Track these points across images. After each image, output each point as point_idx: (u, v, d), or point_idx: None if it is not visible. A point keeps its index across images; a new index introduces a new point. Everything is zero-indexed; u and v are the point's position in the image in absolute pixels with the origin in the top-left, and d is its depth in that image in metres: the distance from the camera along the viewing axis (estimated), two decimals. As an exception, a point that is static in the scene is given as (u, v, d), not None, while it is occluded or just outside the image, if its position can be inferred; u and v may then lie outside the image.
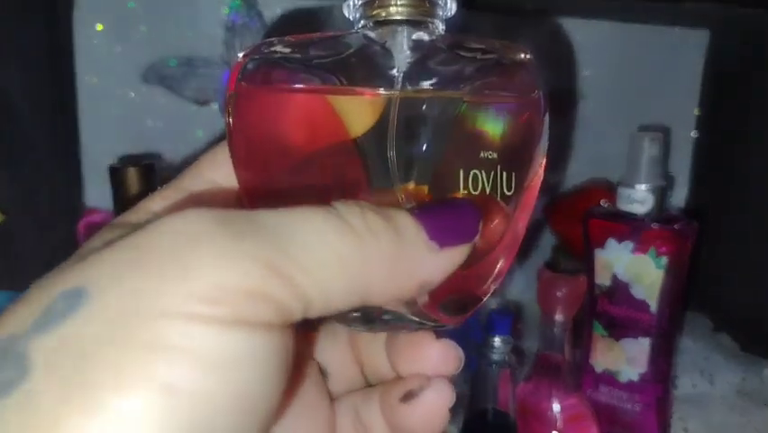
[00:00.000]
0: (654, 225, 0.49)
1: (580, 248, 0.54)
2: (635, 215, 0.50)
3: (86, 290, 0.12)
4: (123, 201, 0.40)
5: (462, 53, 0.19)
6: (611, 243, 0.50)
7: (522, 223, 0.20)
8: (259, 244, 0.13)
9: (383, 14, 0.18)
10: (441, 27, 0.20)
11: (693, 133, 0.78)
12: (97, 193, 0.65)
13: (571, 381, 0.48)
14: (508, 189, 0.18)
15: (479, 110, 0.18)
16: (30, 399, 0.11)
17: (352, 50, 0.18)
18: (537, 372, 0.49)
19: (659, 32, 0.74)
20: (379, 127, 0.17)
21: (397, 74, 0.17)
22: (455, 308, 0.19)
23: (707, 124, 0.76)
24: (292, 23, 0.67)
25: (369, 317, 0.18)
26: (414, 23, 0.19)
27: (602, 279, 0.51)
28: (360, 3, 0.19)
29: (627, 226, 0.50)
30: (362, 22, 0.19)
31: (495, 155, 0.18)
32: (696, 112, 0.77)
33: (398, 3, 0.18)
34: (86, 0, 0.63)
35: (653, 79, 0.75)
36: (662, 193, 0.50)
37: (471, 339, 0.59)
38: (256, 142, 0.18)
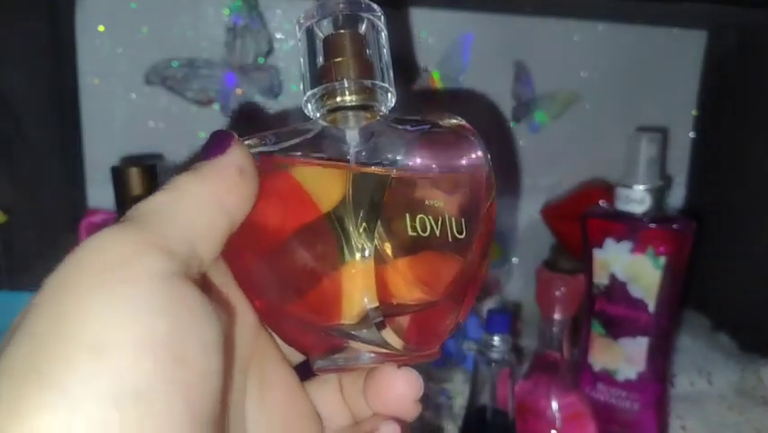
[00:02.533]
0: (652, 225, 0.49)
1: (578, 248, 0.55)
2: (634, 214, 0.50)
3: (26, 314, 0.16)
4: (125, 202, 0.41)
5: (401, 127, 0.22)
6: (609, 242, 0.51)
7: (480, 260, 0.22)
8: (120, 226, 0.16)
9: (332, 102, 0.22)
10: (384, 109, 0.23)
11: (691, 134, 0.78)
12: (99, 194, 0.65)
13: (569, 379, 0.48)
14: (459, 233, 0.21)
15: (417, 173, 0.21)
16: None
17: (311, 135, 0.21)
18: (536, 370, 0.49)
19: (657, 33, 0.74)
20: (343, 204, 0.20)
21: (351, 151, 0.21)
22: (420, 342, 0.21)
23: (705, 125, 0.76)
24: (293, 23, 0.67)
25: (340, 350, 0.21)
26: (361, 108, 0.22)
27: (600, 278, 0.51)
28: (315, 97, 0.22)
29: (626, 226, 0.50)
30: (318, 113, 0.22)
31: (441, 203, 0.21)
32: (694, 112, 0.77)
33: (346, 92, 0.22)
34: (88, 1, 0.63)
35: (652, 80, 0.75)
36: (660, 193, 0.50)
37: (470, 338, 0.59)
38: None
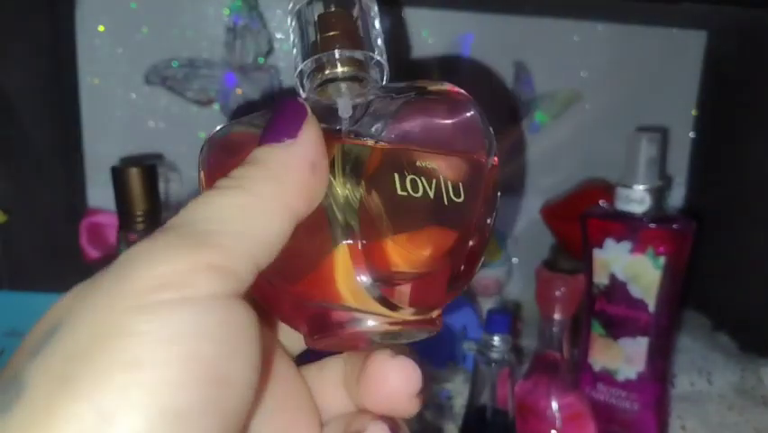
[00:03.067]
0: (652, 225, 0.49)
1: (578, 248, 0.55)
2: (634, 214, 0.50)
3: (60, 323, 0.15)
4: (125, 202, 0.41)
5: (392, 94, 0.21)
6: (609, 242, 0.51)
7: (482, 222, 0.21)
8: (174, 239, 0.15)
9: (328, 75, 0.21)
10: (377, 80, 0.22)
11: (691, 134, 0.78)
12: (99, 194, 0.65)
13: (569, 379, 0.48)
14: (456, 196, 0.20)
15: (408, 135, 0.21)
16: (24, 412, 0.13)
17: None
18: (536, 370, 0.49)
19: (657, 34, 0.74)
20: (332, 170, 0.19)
21: (343, 122, 0.20)
22: (423, 307, 0.20)
23: (704, 125, 0.76)
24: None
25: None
26: (352, 79, 0.21)
27: (600, 278, 0.51)
28: (308, 71, 0.22)
29: (625, 226, 0.50)
30: (310, 88, 0.22)
31: (434, 165, 0.20)
32: (694, 112, 0.77)
33: (337, 63, 0.21)
34: (88, 1, 0.63)
35: (651, 80, 0.75)
36: (660, 193, 0.50)
37: (470, 338, 0.59)
38: None
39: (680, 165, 0.78)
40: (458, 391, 0.56)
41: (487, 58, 0.71)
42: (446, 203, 0.20)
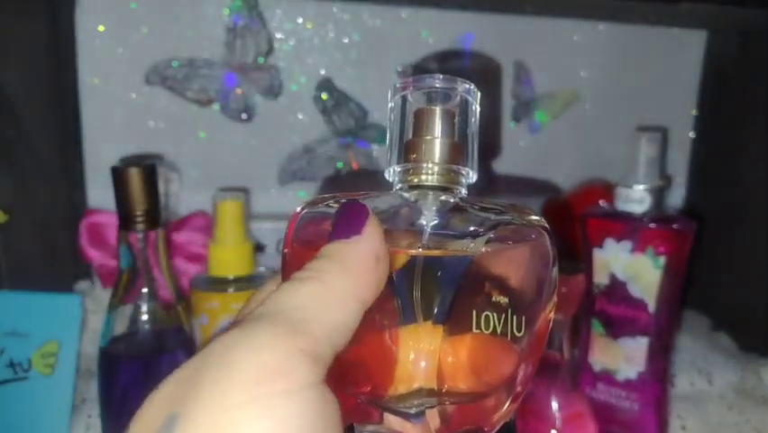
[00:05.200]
0: (652, 225, 0.49)
1: (578, 248, 0.55)
2: (634, 214, 0.50)
3: (176, 416, 0.15)
4: (125, 202, 0.41)
5: (480, 213, 0.22)
6: (609, 242, 0.51)
7: (532, 361, 0.22)
8: (271, 327, 0.16)
9: (416, 180, 0.22)
10: (464, 191, 0.23)
11: (691, 134, 0.78)
12: (99, 194, 0.65)
13: (569, 379, 0.48)
14: (518, 331, 0.21)
15: (489, 264, 0.21)
16: None
17: (390, 206, 0.22)
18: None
19: (657, 33, 0.74)
20: (409, 270, 0.20)
21: (425, 229, 0.21)
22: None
23: (705, 125, 0.76)
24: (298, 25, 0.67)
25: None
26: (441, 189, 0.22)
27: (600, 278, 0.51)
28: (399, 170, 0.23)
29: (626, 226, 0.50)
30: (400, 185, 0.23)
31: (506, 300, 0.21)
32: (694, 112, 0.77)
33: (429, 172, 0.22)
34: (88, 1, 0.63)
35: (651, 80, 0.75)
36: (660, 193, 0.50)
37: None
38: None
39: (680, 165, 0.78)
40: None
41: (487, 58, 0.71)
42: (509, 338, 0.21)
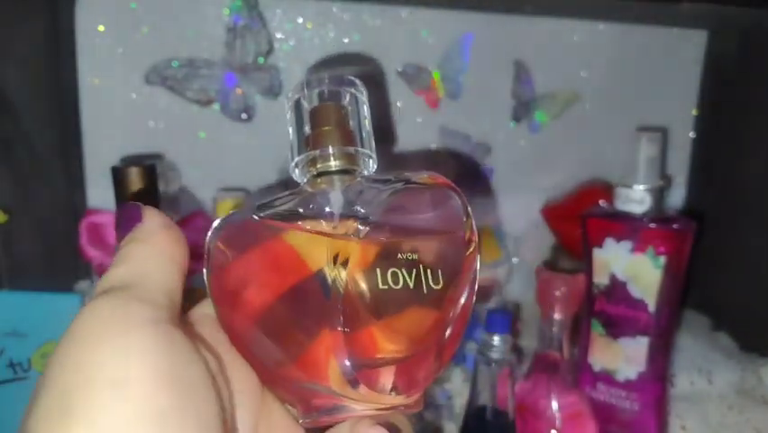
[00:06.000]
0: (652, 225, 0.49)
1: (578, 248, 0.55)
2: (634, 214, 0.50)
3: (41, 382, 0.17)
4: (125, 202, 0.41)
5: (378, 186, 0.23)
6: (609, 242, 0.51)
7: (462, 310, 0.23)
8: (100, 294, 0.19)
9: (316, 169, 0.24)
10: (366, 173, 0.24)
11: (691, 134, 0.78)
12: (99, 194, 0.65)
13: (569, 379, 0.49)
14: (435, 283, 0.21)
15: (391, 224, 0.22)
16: None
17: (299, 199, 0.23)
18: (536, 370, 0.49)
19: (657, 33, 0.74)
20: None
21: (334, 213, 0.22)
22: (403, 391, 0.22)
23: (705, 125, 0.76)
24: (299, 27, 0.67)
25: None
26: (343, 172, 0.24)
27: (600, 278, 0.51)
28: (302, 163, 0.24)
29: (626, 226, 0.50)
30: (305, 178, 0.24)
31: (415, 256, 0.21)
32: (694, 112, 0.77)
33: (330, 158, 0.24)
34: (88, 1, 0.63)
35: (652, 80, 0.75)
36: (660, 193, 0.50)
37: (470, 338, 0.59)
38: (230, 288, 0.22)
39: (680, 165, 0.78)
40: (458, 391, 0.56)
41: (487, 58, 0.71)
42: (425, 291, 0.21)
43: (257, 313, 0.22)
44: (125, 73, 0.65)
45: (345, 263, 0.20)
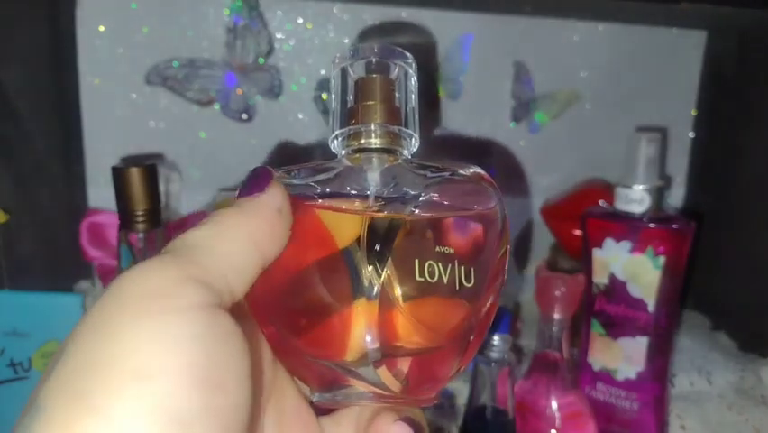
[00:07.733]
0: (652, 225, 0.49)
1: (578, 248, 0.55)
2: (633, 214, 0.50)
3: (66, 343, 0.16)
4: (125, 202, 0.41)
5: (421, 172, 0.23)
6: (609, 242, 0.51)
7: (489, 309, 0.22)
8: (161, 258, 0.17)
9: (358, 144, 0.23)
10: (407, 153, 0.24)
11: (691, 134, 0.78)
12: (99, 194, 0.65)
13: (569, 379, 0.49)
14: (467, 281, 0.21)
15: (430, 219, 0.22)
16: (45, 426, 0.14)
17: (334, 173, 0.23)
18: (536, 370, 0.49)
19: (656, 33, 0.74)
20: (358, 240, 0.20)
21: (370, 192, 0.22)
22: (419, 385, 0.21)
23: (704, 125, 0.76)
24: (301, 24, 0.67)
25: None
26: (384, 151, 0.23)
27: (600, 278, 0.51)
28: (342, 136, 0.23)
29: (625, 226, 0.50)
30: (344, 151, 0.23)
31: (451, 250, 0.21)
32: (693, 112, 0.77)
33: (372, 135, 0.23)
34: (88, 1, 0.63)
35: (651, 80, 0.75)
36: (659, 193, 0.50)
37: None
38: None
39: (679, 165, 0.78)
40: (458, 390, 0.56)
41: (487, 58, 0.71)
42: (457, 287, 0.21)
43: (283, 280, 0.21)
44: (126, 73, 0.65)
45: (385, 246, 0.20)
